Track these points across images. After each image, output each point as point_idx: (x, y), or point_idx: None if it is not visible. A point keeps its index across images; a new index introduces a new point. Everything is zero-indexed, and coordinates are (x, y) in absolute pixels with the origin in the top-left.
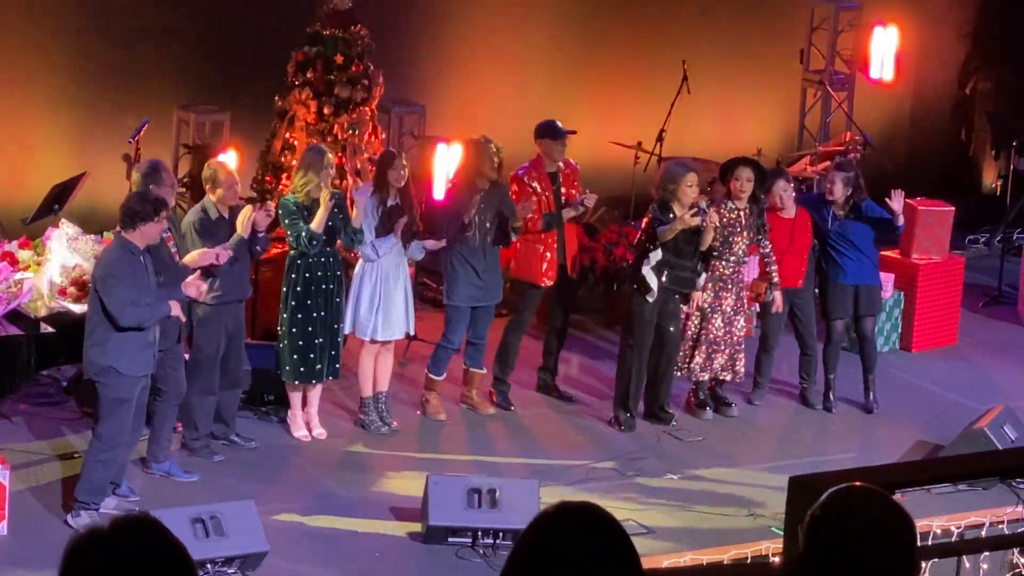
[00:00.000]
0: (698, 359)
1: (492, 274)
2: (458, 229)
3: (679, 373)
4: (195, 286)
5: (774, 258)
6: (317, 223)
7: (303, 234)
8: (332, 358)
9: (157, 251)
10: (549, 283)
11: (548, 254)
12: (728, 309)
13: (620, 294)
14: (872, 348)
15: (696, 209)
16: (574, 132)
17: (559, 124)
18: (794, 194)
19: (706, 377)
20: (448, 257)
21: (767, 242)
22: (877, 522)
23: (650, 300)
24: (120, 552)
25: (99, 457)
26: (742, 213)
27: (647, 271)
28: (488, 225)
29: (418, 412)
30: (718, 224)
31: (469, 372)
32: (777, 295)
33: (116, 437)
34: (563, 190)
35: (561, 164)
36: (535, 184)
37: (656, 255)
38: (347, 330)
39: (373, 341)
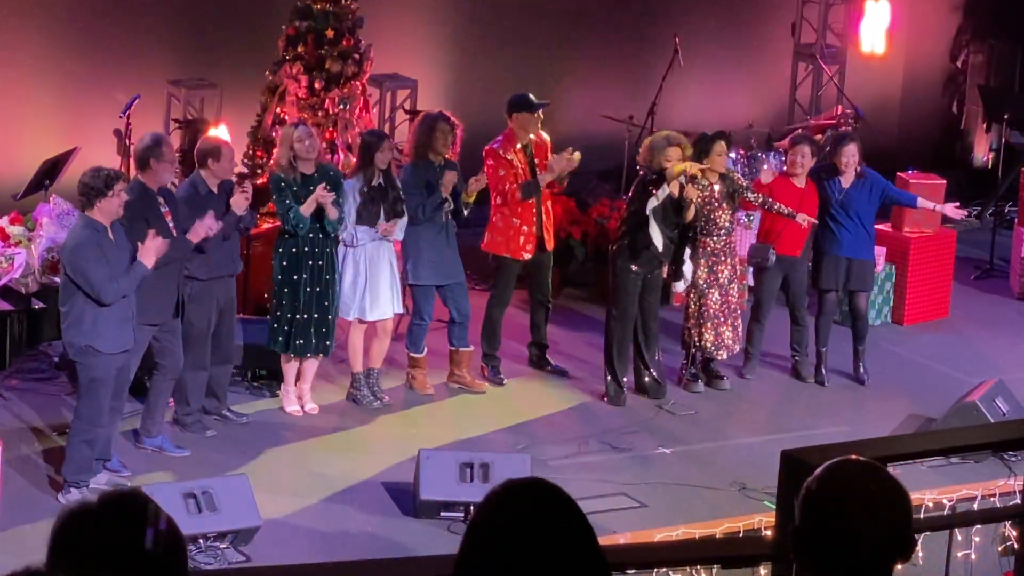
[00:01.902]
0: (708, 337)
1: (452, 250)
2: (436, 207)
3: (694, 350)
4: (153, 249)
5: (770, 199)
6: (305, 207)
7: (291, 213)
8: (323, 335)
9: (156, 226)
10: (528, 256)
11: (525, 227)
12: (724, 281)
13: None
14: (864, 323)
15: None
16: (547, 104)
17: (532, 96)
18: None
19: (724, 356)
20: (413, 236)
21: (750, 194)
22: (873, 495)
23: (659, 247)
24: (108, 527)
25: (81, 437)
26: (714, 187)
27: (652, 228)
28: (450, 200)
29: (406, 387)
30: (694, 200)
31: (457, 352)
32: (806, 218)
33: (95, 417)
34: (536, 161)
35: (532, 136)
36: (510, 156)
37: (661, 194)
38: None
39: (361, 321)
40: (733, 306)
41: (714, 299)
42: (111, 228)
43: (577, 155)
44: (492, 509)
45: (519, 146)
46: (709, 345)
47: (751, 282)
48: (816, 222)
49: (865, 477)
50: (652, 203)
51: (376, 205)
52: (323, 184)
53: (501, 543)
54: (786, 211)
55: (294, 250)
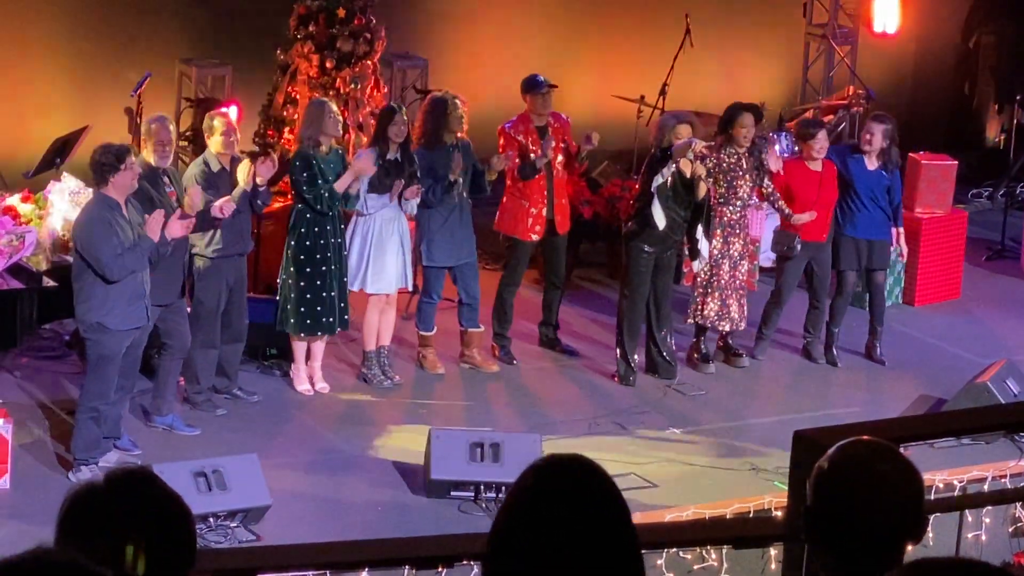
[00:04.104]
0: (712, 306)
1: (466, 231)
2: (446, 188)
3: (690, 321)
4: (182, 225)
5: (778, 194)
6: (341, 183)
7: (324, 193)
8: (342, 310)
9: (160, 208)
10: (536, 238)
11: (533, 209)
12: (735, 254)
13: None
14: (882, 300)
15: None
16: (555, 86)
17: (540, 78)
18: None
19: (727, 327)
20: (426, 217)
21: (769, 182)
22: (885, 476)
23: (660, 227)
24: (116, 505)
25: (88, 414)
26: (742, 158)
27: (655, 206)
28: (462, 181)
29: (417, 367)
30: (701, 175)
31: (468, 332)
32: (802, 217)
33: (103, 394)
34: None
35: (551, 119)
36: (521, 138)
37: (664, 173)
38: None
39: (369, 294)
40: (739, 282)
41: (725, 270)
42: (126, 205)
43: (596, 135)
44: (533, 481)
45: (533, 127)
46: (713, 315)
47: (762, 263)
48: (813, 214)
49: (877, 457)
50: (657, 180)
51: (391, 179)
52: (368, 155)
53: (539, 515)
54: (786, 211)
55: (316, 229)
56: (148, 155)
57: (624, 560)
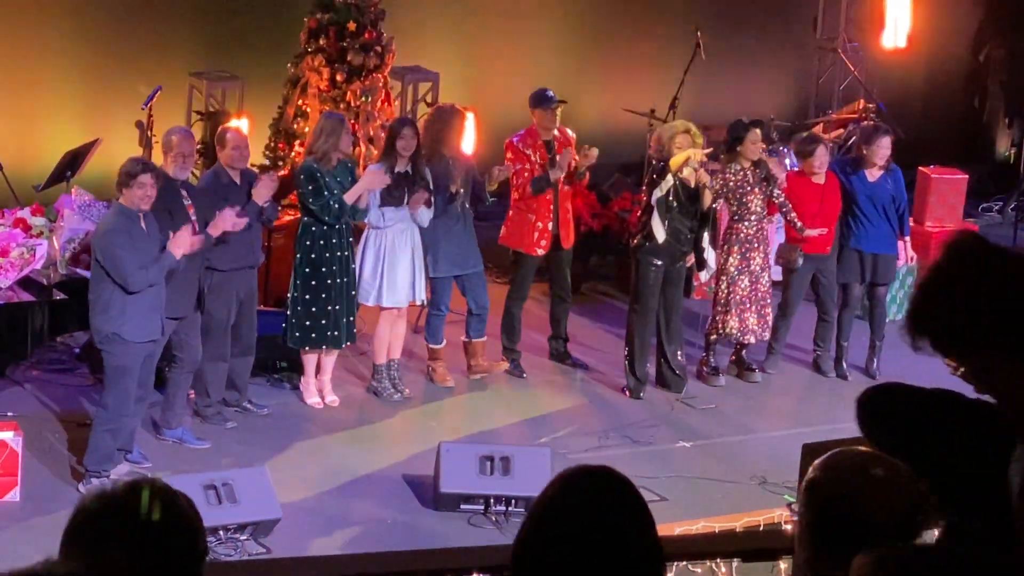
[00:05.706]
0: (733, 323)
1: (470, 242)
2: (447, 200)
3: (713, 337)
4: (186, 240)
5: (789, 204)
6: (351, 194)
7: (333, 203)
8: (348, 324)
9: (179, 218)
10: (541, 252)
11: (540, 223)
12: (756, 268)
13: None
14: (883, 315)
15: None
16: (564, 102)
17: (550, 93)
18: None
19: (752, 340)
20: (431, 228)
21: (779, 192)
22: (879, 481)
23: (659, 240)
24: (127, 516)
25: (105, 427)
26: (749, 172)
27: (655, 219)
28: (463, 193)
29: (426, 380)
30: (706, 182)
31: (472, 343)
32: (813, 232)
33: (121, 407)
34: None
35: (556, 133)
36: (529, 152)
37: (664, 184)
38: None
39: (381, 308)
40: (761, 294)
41: (743, 285)
42: (143, 217)
43: (594, 150)
44: (560, 491)
45: (541, 141)
46: (734, 332)
47: (775, 276)
48: (824, 230)
49: (869, 464)
50: (656, 193)
51: (400, 191)
52: (379, 169)
53: (565, 525)
54: (798, 225)
55: (322, 242)
56: (167, 166)
57: (648, 571)
